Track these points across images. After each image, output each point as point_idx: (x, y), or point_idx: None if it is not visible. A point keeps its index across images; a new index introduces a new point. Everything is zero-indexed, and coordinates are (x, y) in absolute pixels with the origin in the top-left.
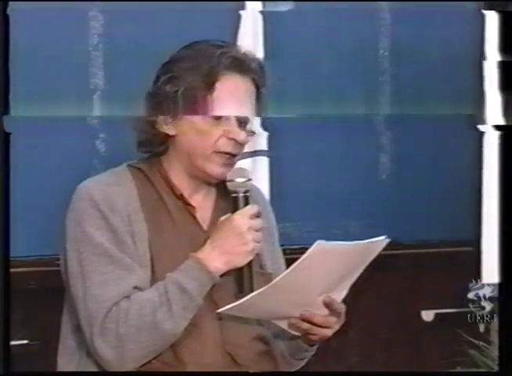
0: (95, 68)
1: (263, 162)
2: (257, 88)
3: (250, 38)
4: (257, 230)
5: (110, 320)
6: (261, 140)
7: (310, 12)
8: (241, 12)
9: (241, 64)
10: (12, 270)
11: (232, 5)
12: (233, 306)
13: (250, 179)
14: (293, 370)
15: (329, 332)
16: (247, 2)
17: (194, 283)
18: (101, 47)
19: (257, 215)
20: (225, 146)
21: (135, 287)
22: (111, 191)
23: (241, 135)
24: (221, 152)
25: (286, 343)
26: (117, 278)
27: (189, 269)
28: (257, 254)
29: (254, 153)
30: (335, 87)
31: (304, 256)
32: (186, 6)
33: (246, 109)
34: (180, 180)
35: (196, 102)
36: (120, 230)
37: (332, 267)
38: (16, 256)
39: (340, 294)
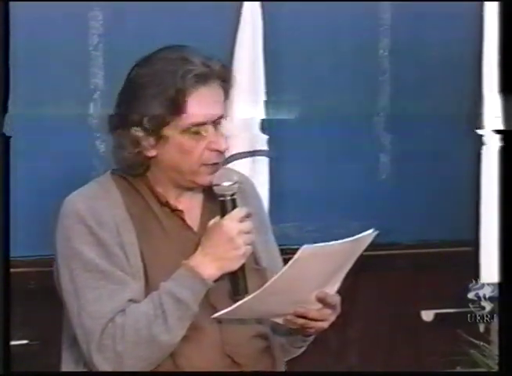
0: (95, 68)
1: (263, 162)
2: (224, 88)
3: (250, 36)
4: (247, 233)
5: (107, 337)
6: (261, 140)
7: (310, 11)
8: (241, 10)
9: (206, 77)
10: (12, 270)
11: (232, 3)
12: (228, 311)
13: (236, 182)
14: (292, 357)
15: (325, 324)
16: (245, 2)
17: (188, 292)
18: (101, 47)
19: (247, 216)
20: (210, 158)
21: (130, 300)
22: (97, 203)
23: (223, 145)
24: (207, 164)
25: (285, 334)
26: (110, 293)
27: (181, 278)
28: (252, 250)
29: (254, 153)
30: (335, 87)
31: (290, 262)
32: (186, 6)
33: (219, 115)
34: (165, 188)
35: (168, 125)
36: (110, 243)
37: (322, 266)
38: (16, 256)
39: (333, 288)
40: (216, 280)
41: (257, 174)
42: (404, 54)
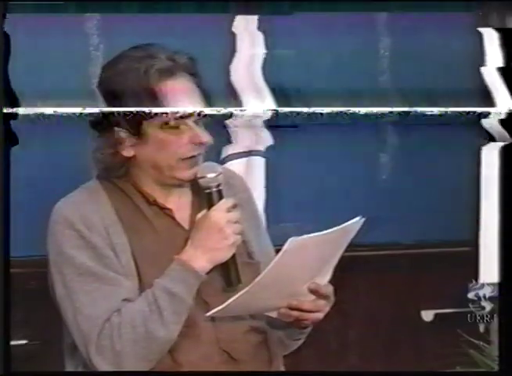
0: (95, 68)
1: (259, 162)
2: (194, 81)
3: (249, 41)
4: (235, 222)
5: (104, 337)
6: (258, 139)
7: (309, 11)
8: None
9: (171, 70)
10: (12, 270)
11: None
12: (221, 308)
13: (220, 173)
14: (290, 350)
15: (320, 315)
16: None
17: (181, 285)
18: (101, 47)
19: (234, 207)
20: (188, 152)
21: (125, 300)
22: (85, 208)
23: (206, 137)
24: (185, 158)
25: (281, 328)
26: (104, 294)
27: (174, 272)
28: (244, 243)
29: (250, 153)
30: (334, 87)
31: (279, 255)
32: (186, 7)
33: (194, 106)
34: (151, 188)
35: (145, 122)
36: (100, 246)
37: (312, 257)
38: (16, 256)
39: (324, 278)
40: (207, 274)
41: (254, 174)
42: (404, 54)
